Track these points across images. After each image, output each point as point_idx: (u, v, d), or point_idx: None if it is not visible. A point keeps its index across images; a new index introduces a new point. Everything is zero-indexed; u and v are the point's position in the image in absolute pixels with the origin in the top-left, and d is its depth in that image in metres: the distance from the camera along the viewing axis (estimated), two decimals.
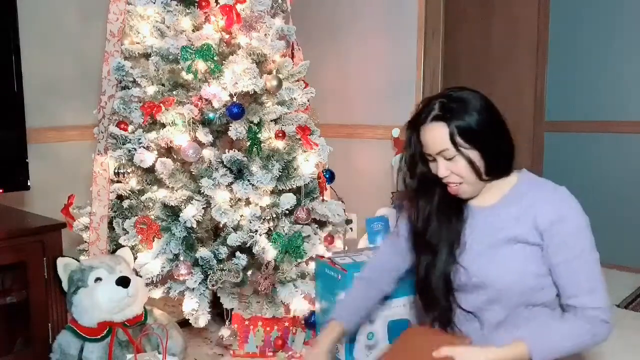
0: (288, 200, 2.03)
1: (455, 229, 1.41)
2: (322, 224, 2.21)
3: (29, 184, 2.05)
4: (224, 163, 1.97)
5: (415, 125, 1.37)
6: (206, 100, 1.97)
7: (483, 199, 1.40)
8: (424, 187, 1.42)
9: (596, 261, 1.30)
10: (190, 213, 1.91)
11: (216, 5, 2.02)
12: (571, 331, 1.29)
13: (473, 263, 1.36)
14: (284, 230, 2.04)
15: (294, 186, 2.07)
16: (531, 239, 1.31)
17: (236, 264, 1.95)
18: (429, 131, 1.32)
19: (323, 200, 2.21)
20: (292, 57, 2.32)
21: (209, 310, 1.98)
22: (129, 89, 2.09)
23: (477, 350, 1.31)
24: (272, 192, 2.06)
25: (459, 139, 1.29)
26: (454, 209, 1.42)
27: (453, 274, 1.39)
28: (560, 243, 1.29)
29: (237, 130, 1.97)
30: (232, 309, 2.05)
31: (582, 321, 1.28)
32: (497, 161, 1.34)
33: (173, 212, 1.98)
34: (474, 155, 1.30)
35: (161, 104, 1.95)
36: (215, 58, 1.95)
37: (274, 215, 2.02)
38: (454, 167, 1.32)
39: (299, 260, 2.06)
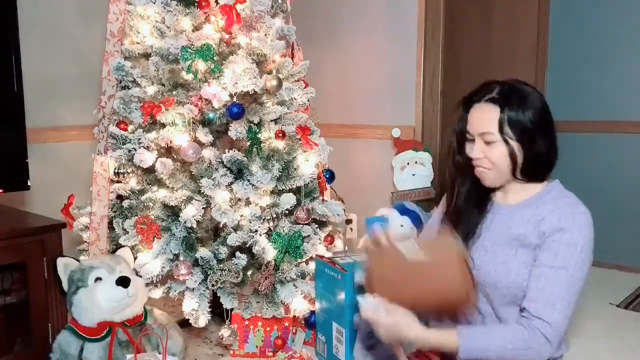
0: (288, 200, 2.03)
1: (475, 218, 1.41)
2: (322, 224, 2.21)
3: (29, 184, 2.05)
4: (224, 163, 1.97)
5: (468, 102, 1.35)
6: (206, 100, 1.97)
7: (507, 198, 1.40)
8: (467, 166, 1.40)
9: (574, 287, 1.25)
10: (190, 213, 1.91)
11: (216, 5, 2.02)
12: (506, 335, 1.24)
13: (479, 256, 1.37)
14: (284, 230, 2.04)
15: (294, 186, 2.07)
16: (533, 239, 1.30)
17: (236, 264, 1.95)
18: (479, 110, 1.31)
19: (323, 200, 2.21)
20: (292, 57, 2.31)
21: (209, 310, 1.98)
22: (129, 89, 2.09)
23: (407, 323, 1.26)
24: (272, 192, 2.06)
25: (506, 128, 1.28)
26: (481, 198, 1.42)
27: None
28: (548, 249, 1.27)
29: (237, 130, 1.97)
30: (232, 309, 2.05)
31: (522, 329, 1.23)
32: (536, 164, 1.33)
33: (173, 212, 1.98)
34: (517, 148, 1.29)
35: (161, 104, 1.95)
36: (215, 58, 1.95)
37: (274, 215, 2.02)
38: (489, 153, 1.31)
39: (299, 260, 2.06)
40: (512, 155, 1.30)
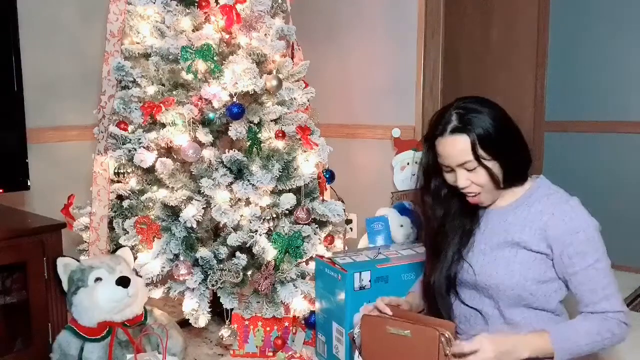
0: (288, 200, 2.03)
1: (468, 231, 1.43)
2: (322, 224, 2.21)
3: (29, 184, 2.05)
4: (224, 163, 1.97)
5: (431, 138, 1.37)
6: (206, 100, 1.97)
7: (496, 202, 1.42)
8: (439, 199, 1.44)
9: (609, 267, 1.32)
10: (190, 213, 1.91)
11: (216, 5, 2.02)
12: (593, 331, 1.30)
13: (477, 261, 1.38)
14: (284, 230, 2.04)
15: (294, 186, 2.07)
16: (535, 247, 1.32)
17: (236, 264, 1.95)
18: (449, 143, 1.32)
19: (323, 200, 2.21)
20: (292, 57, 2.31)
21: (209, 310, 1.98)
22: (129, 89, 2.09)
23: (503, 340, 1.28)
24: (272, 192, 2.06)
25: (480, 151, 1.29)
26: (469, 215, 1.44)
27: (459, 270, 1.41)
28: (575, 254, 1.29)
29: (237, 130, 1.97)
30: (232, 309, 2.05)
31: (603, 322, 1.30)
32: (515, 170, 1.35)
33: (173, 212, 1.98)
34: (494, 165, 1.32)
35: (161, 104, 1.95)
36: (215, 58, 1.95)
37: (274, 215, 2.02)
38: (475, 178, 1.33)
39: (299, 260, 2.06)
40: (492, 174, 1.32)
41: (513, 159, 1.34)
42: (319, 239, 2.16)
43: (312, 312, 2.09)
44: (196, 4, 2.03)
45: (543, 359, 1.28)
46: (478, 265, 1.37)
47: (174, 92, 2.03)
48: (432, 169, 1.40)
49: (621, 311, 1.30)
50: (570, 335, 1.29)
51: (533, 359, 1.28)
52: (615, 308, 1.30)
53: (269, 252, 1.98)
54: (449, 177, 1.37)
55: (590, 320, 1.31)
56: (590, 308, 1.31)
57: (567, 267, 1.31)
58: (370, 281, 1.87)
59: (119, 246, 1.98)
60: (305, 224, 2.09)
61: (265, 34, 2.09)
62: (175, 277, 1.93)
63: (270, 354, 2.09)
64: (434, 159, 1.38)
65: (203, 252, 1.96)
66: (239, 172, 2.00)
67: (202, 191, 1.96)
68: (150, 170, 2.01)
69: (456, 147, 1.31)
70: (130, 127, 2.08)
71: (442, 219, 1.45)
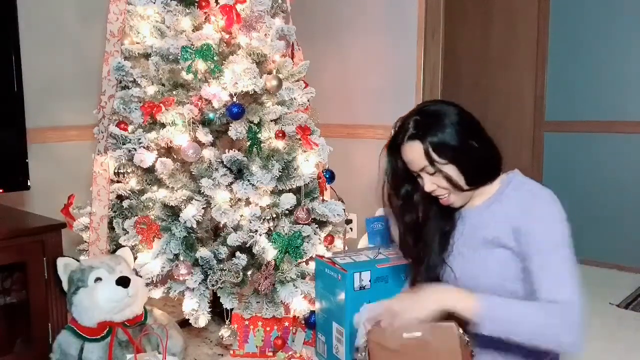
0: (288, 200, 2.03)
1: (446, 233, 1.44)
2: (322, 224, 2.21)
3: (29, 184, 2.05)
4: (224, 163, 1.97)
5: (395, 146, 1.39)
6: (206, 100, 1.97)
7: (472, 202, 1.42)
8: (409, 204, 1.45)
9: (567, 257, 1.24)
10: (190, 213, 1.91)
11: (216, 5, 2.02)
12: (530, 307, 1.21)
13: (457, 265, 1.38)
14: (284, 230, 2.04)
15: (294, 186, 2.07)
16: (508, 241, 1.30)
17: (236, 264, 1.95)
18: (407, 150, 1.35)
19: (323, 200, 2.21)
20: (292, 57, 2.32)
21: (209, 310, 1.98)
22: (129, 89, 2.09)
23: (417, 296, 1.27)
24: (272, 192, 2.06)
25: (434, 155, 1.31)
26: (444, 218, 1.45)
27: (442, 274, 1.41)
28: (531, 241, 1.26)
29: (237, 130, 1.97)
30: (232, 309, 2.05)
31: (547, 304, 1.20)
32: (477, 172, 1.35)
33: (173, 212, 1.98)
34: (451, 169, 1.32)
35: (161, 104, 1.95)
36: (215, 58, 1.95)
37: (274, 215, 2.02)
38: (438, 181, 1.34)
39: (299, 260, 2.06)
40: (450, 178, 1.32)
41: (473, 161, 1.33)
42: (319, 239, 2.16)
43: (312, 312, 2.09)
44: (196, 4, 2.03)
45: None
46: (458, 269, 1.38)
47: (174, 92, 2.03)
48: (403, 174, 1.41)
49: (568, 302, 1.19)
50: (504, 303, 1.21)
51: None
52: (562, 297, 1.19)
53: (269, 252, 1.98)
54: (420, 182, 1.39)
55: (537, 305, 1.21)
56: (541, 295, 1.21)
57: (525, 256, 1.27)
58: (370, 281, 1.87)
59: (119, 246, 1.98)
60: (305, 224, 2.09)
61: (265, 34, 2.09)
62: (175, 277, 1.93)
63: (270, 354, 2.09)
64: (403, 165, 1.39)
65: (203, 252, 1.96)
66: (239, 172, 2.01)
67: (202, 191, 1.96)
68: (150, 170, 2.01)
69: (412, 153, 1.34)
70: (130, 127, 2.08)
71: (417, 223, 1.45)
